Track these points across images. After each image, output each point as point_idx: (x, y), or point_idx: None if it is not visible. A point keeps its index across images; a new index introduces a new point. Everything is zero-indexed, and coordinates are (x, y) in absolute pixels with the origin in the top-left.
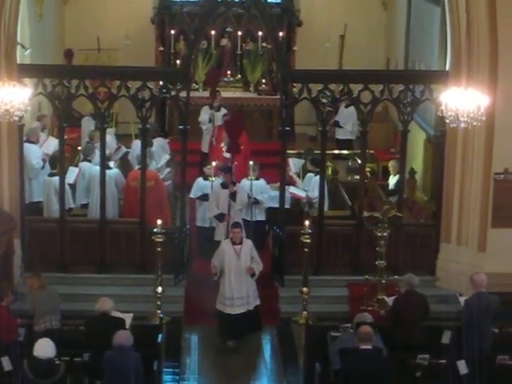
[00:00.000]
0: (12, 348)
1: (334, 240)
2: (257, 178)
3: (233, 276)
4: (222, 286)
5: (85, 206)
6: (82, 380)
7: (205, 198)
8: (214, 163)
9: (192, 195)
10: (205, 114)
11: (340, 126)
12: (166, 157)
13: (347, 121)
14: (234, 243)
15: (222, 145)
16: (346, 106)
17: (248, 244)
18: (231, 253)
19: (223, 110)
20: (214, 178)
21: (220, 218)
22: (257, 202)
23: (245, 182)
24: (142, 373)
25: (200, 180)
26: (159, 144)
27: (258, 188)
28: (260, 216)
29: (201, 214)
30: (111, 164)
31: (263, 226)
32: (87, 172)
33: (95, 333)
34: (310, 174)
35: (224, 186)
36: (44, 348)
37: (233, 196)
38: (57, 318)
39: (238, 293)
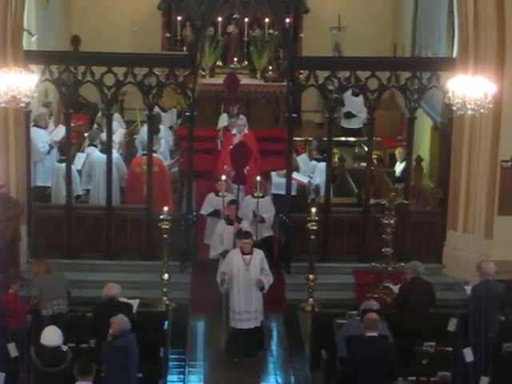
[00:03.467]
0: (19, 334)
1: (341, 227)
2: (262, 196)
3: (242, 288)
4: (231, 299)
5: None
6: (90, 366)
7: (215, 214)
8: (223, 177)
9: (202, 211)
10: (223, 123)
11: (354, 115)
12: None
13: (360, 110)
14: (243, 253)
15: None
16: (357, 95)
17: (258, 254)
18: (240, 263)
19: (242, 118)
20: (225, 193)
21: (225, 255)
22: (262, 221)
23: (250, 200)
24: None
25: (211, 196)
26: (164, 129)
27: (264, 206)
28: (267, 232)
29: (209, 231)
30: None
31: (271, 241)
32: (90, 157)
33: (103, 318)
34: (314, 161)
35: (229, 222)
36: (51, 336)
37: (238, 234)
38: (64, 302)
39: (246, 306)
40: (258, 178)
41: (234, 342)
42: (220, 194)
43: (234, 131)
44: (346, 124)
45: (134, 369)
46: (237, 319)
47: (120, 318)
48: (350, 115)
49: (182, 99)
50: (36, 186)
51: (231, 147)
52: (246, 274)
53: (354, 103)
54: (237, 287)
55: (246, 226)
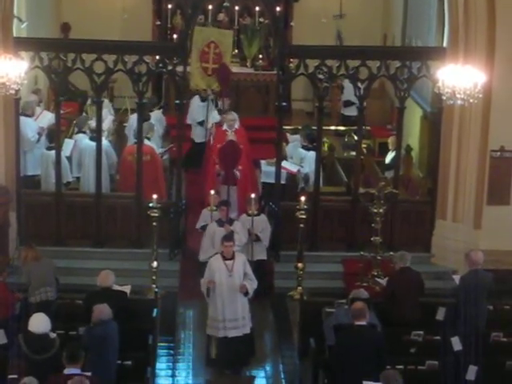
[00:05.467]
0: (8, 321)
1: (330, 216)
2: (258, 214)
3: (225, 295)
4: (213, 307)
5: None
6: (78, 353)
7: (205, 228)
8: (212, 192)
9: (197, 226)
10: (213, 120)
11: (353, 103)
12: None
13: None
14: (225, 258)
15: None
16: None
17: (241, 258)
18: (222, 269)
19: (233, 113)
20: (214, 208)
21: None
22: (258, 239)
23: (245, 218)
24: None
25: (204, 211)
26: (156, 117)
27: (259, 224)
28: (261, 255)
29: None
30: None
31: (264, 266)
32: (79, 145)
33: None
34: (301, 150)
35: (220, 223)
36: (39, 323)
37: (230, 236)
38: (52, 290)
39: (230, 314)
40: (253, 195)
41: (221, 352)
42: (209, 208)
43: (224, 127)
44: (346, 112)
45: (113, 356)
46: (220, 328)
47: (102, 306)
48: (349, 103)
49: (212, 81)
50: (26, 175)
51: (219, 147)
52: (229, 280)
53: (352, 91)
54: (220, 294)
55: (238, 227)
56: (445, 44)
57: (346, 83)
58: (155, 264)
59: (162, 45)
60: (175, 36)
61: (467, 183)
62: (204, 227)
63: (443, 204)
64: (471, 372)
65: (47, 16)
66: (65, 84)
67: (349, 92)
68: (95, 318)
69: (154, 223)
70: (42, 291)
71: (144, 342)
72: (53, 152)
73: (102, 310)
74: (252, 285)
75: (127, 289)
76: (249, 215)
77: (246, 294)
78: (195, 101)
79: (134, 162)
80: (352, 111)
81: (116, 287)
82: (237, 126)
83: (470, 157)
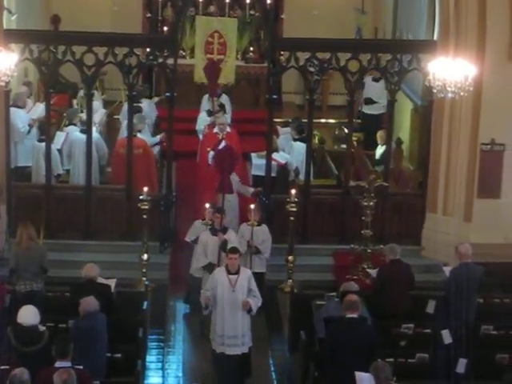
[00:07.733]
0: None
1: (320, 209)
2: (258, 224)
3: (226, 310)
4: (213, 321)
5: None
6: (67, 346)
7: (197, 241)
8: (207, 205)
9: (187, 238)
10: (203, 123)
11: (374, 102)
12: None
13: (381, 95)
14: (229, 272)
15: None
16: (377, 80)
17: (246, 274)
18: (225, 283)
19: (224, 117)
20: (209, 222)
21: (209, 268)
22: (258, 252)
23: (245, 228)
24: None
25: (197, 223)
26: (150, 104)
27: (260, 235)
28: (260, 267)
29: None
30: (93, 129)
31: (262, 279)
32: (70, 137)
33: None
34: (292, 142)
35: (214, 232)
36: (27, 315)
37: (223, 245)
38: (38, 281)
39: (230, 331)
40: (252, 206)
41: (218, 367)
42: (202, 222)
43: (215, 130)
44: (366, 109)
45: (101, 349)
46: (218, 342)
47: (89, 299)
48: (370, 101)
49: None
50: (17, 166)
51: (216, 151)
52: (231, 296)
53: (374, 89)
54: (221, 310)
55: (232, 236)
56: (435, 37)
57: (368, 81)
58: (145, 257)
59: (153, 37)
60: (166, 28)
61: (458, 176)
62: (195, 241)
63: (434, 197)
64: (461, 365)
65: (37, 8)
66: (55, 76)
67: (370, 89)
68: (82, 311)
69: (145, 216)
70: (27, 283)
71: (134, 335)
72: (44, 144)
73: (89, 303)
74: (257, 302)
75: (112, 282)
76: (249, 225)
77: (249, 310)
78: (205, 98)
79: (126, 154)
80: (373, 109)
81: (101, 280)
82: (228, 129)
83: (461, 150)
